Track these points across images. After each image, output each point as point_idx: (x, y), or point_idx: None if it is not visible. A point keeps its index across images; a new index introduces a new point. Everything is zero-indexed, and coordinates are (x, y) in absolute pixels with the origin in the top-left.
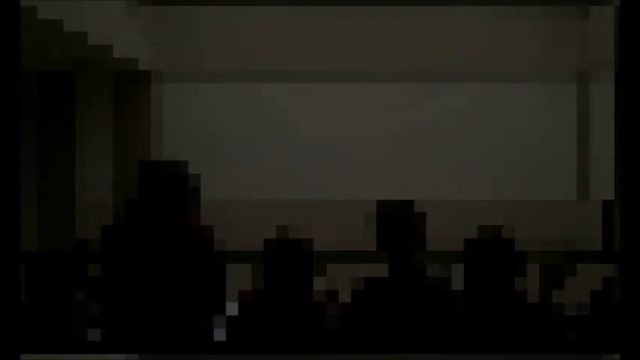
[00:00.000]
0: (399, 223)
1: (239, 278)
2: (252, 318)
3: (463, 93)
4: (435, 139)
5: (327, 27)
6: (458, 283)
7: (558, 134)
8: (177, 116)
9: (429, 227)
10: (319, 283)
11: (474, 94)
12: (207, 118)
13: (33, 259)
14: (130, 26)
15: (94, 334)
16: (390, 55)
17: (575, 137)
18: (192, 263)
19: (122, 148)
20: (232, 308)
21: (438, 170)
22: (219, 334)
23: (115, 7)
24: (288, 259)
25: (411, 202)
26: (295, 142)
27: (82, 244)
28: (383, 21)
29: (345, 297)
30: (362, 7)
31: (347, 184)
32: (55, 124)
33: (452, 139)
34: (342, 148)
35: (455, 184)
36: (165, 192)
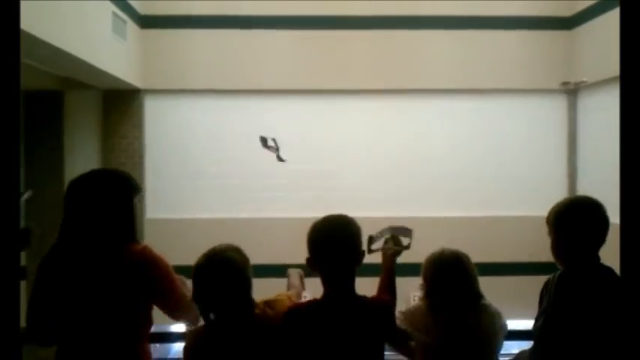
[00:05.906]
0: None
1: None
2: None
3: (453, 106)
4: (423, 153)
5: (307, 48)
6: None
7: (549, 147)
8: (161, 133)
9: (416, 242)
10: None
11: (464, 107)
12: (191, 134)
13: None
14: (118, 46)
15: None
16: (381, 70)
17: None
18: None
19: (110, 165)
20: None
21: (425, 185)
22: None
23: (104, 28)
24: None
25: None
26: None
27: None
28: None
29: None
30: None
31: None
32: (43, 143)
33: (440, 154)
34: (328, 166)
35: (442, 200)
36: None
